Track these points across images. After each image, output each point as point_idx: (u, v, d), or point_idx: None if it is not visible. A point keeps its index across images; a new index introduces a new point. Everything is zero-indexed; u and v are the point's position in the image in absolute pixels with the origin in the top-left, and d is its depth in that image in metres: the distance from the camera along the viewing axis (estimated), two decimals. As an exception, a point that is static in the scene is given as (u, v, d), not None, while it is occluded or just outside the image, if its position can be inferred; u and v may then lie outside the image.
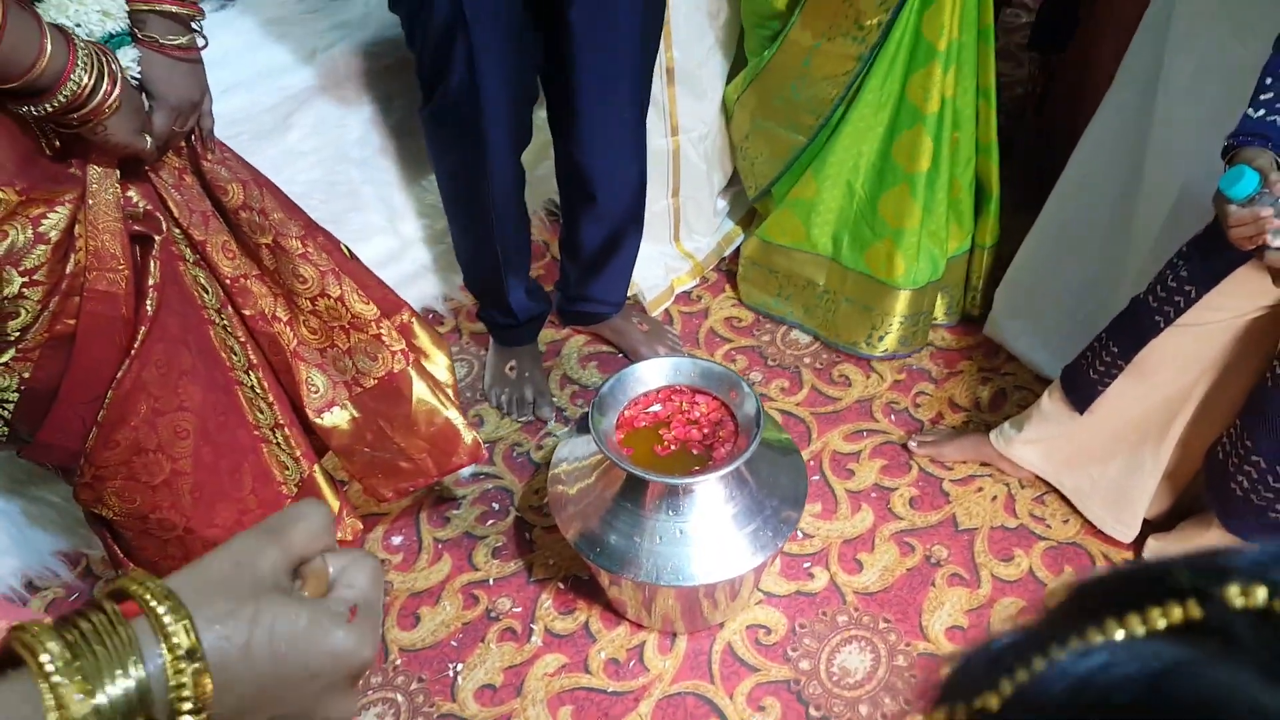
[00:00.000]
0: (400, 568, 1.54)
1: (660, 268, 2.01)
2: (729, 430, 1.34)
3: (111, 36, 0.90)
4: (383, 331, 1.24)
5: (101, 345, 0.97)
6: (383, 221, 1.86)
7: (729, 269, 2.07)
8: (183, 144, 1.05)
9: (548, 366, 1.87)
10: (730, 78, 1.93)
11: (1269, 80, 1.00)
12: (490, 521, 1.62)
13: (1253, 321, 1.17)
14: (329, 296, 1.18)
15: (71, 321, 0.94)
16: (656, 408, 1.38)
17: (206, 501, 1.12)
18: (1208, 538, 1.34)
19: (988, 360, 1.87)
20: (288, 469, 1.22)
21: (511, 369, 1.81)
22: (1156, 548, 1.43)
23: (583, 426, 1.44)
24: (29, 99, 0.83)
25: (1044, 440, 1.52)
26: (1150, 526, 1.49)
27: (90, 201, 0.93)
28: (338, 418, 1.25)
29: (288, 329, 1.18)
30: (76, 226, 0.92)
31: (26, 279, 0.88)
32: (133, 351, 0.99)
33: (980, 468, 1.66)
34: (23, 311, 0.90)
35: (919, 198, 1.69)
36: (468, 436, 1.35)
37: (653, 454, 1.33)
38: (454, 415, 1.33)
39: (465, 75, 1.36)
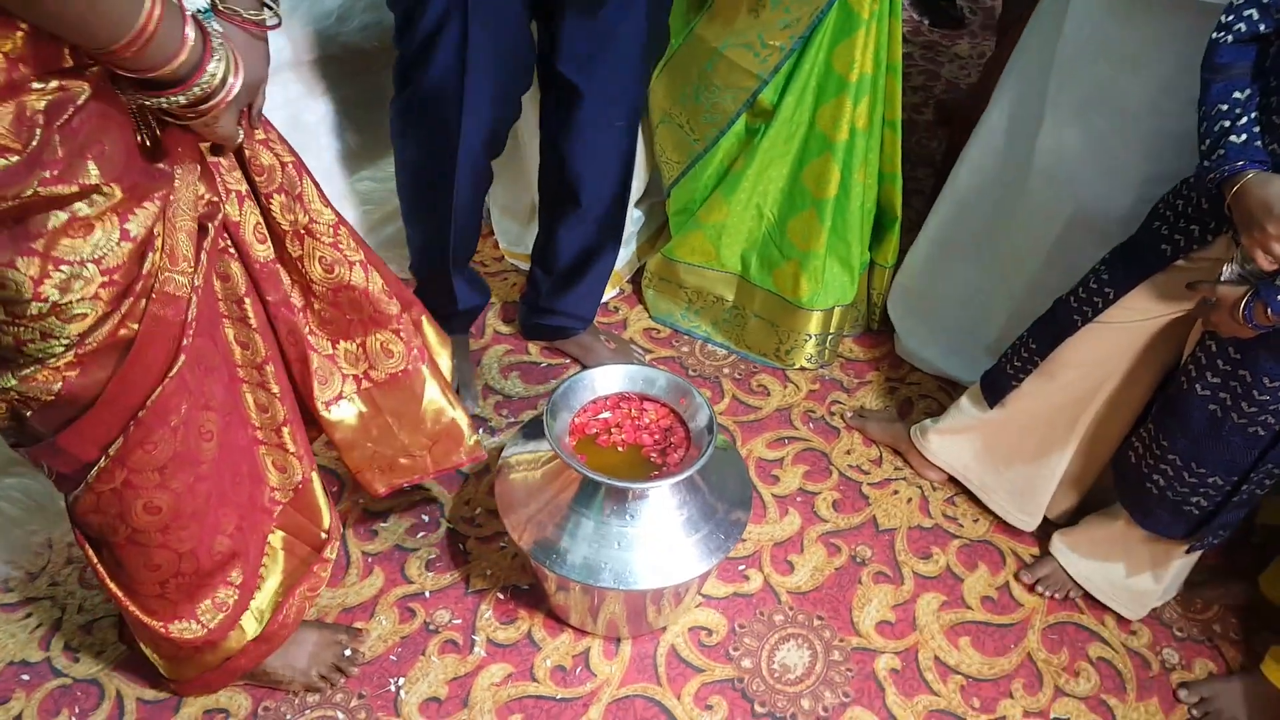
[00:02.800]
0: (330, 584, 1.47)
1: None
2: (679, 437, 1.36)
3: (200, 12, 0.85)
4: (402, 328, 1.21)
5: (158, 351, 0.91)
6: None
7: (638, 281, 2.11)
8: None
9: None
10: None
11: (1223, 106, 1.08)
12: (421, 534, 1.57)
13: (1162, 326, 1.31)
14: (353, 289, 1.14)
15: (134, 326, 0.87)
16: (606, 414, 1.39)
17: (215, 507, 1.07)
18: (1111, 532, 1.47)
19: (894, 370, 1.98)
20: (284, 472, 1.16)
21: None
22: (1062, 544, 1.56)
23: (530, 433, 1.42)
24: (161, 90, 0.78)
25: (956, 434, 1.63)
26: (1052, 526, 1.62)
27: (173, 199, 0.88)
28: (345, 412, 1.21)
29: (300, 316, 1.14)
30: (156, 225, 0.86)
31: (106, 278, 0.82)
32: (183, 346, 0.93)
33: (895, 471, 1.76)
34: (89, 314, 0.83)
35: (826, 222, 1.78)
36: (469, 438, 1.35)
37: (605, 459, 1.33)
38: (460, 416, 1.34)
39: (452, 63, 1.32)
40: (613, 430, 1.37)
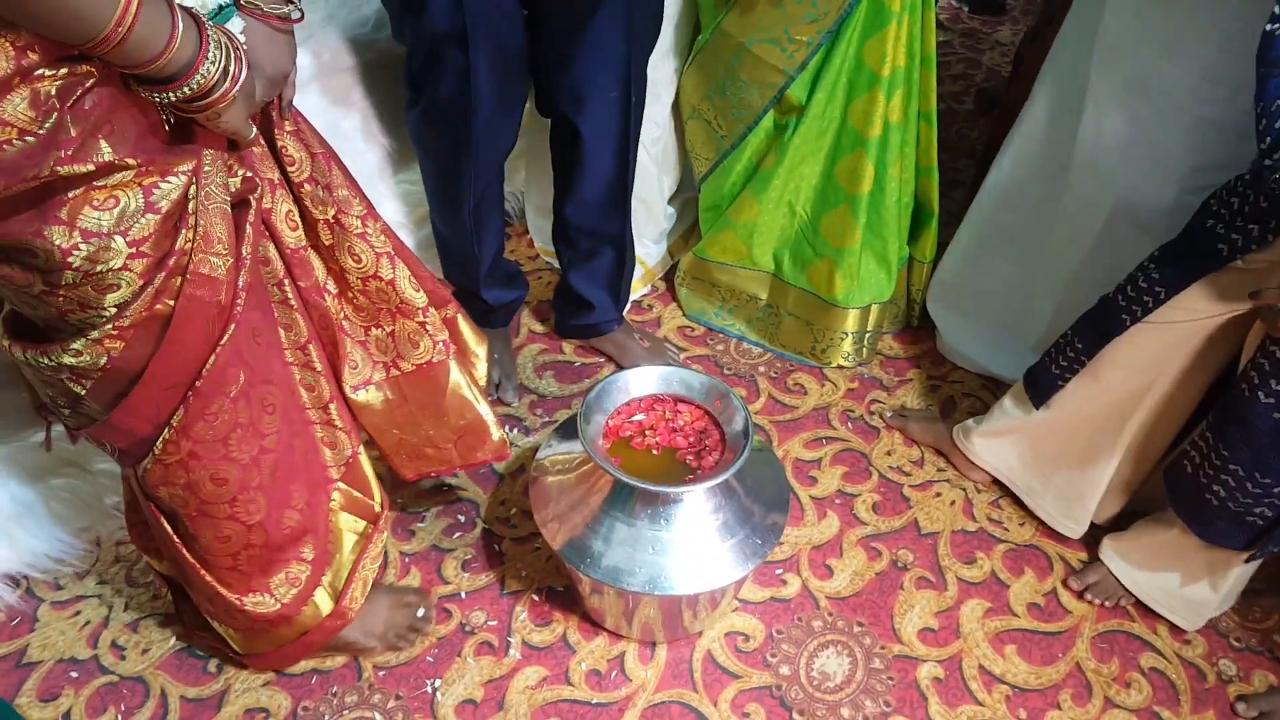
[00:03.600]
0: (366, 583, 1.47)
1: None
2: (714, 439, 1.34)
3: (221, 8, 0.85)
4: (428, 320, 1.24)
5: (195, 329, 0.93)
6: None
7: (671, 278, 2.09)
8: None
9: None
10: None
11: (1279, 102, 1.03)
12: (457, 534, 1.57)
13: (1215, 327, 1.25)
14: (380, 279, 1.17)
15: (171, 302, 0.89)
16: (640, 416, 1.37)
17: (283, 481, 1.11)
18: (1165, 539, 1.42)
19: (935, 368, 1.94)
20: (335, 449, 1.21)
21: None
22: (1112, 550, 1.51)
23: (564, 434, 1.42)
24: (152, 86, 0.79)
25: (1000, 436, 1.59)
26: (1100, 530, 1.57)
27: (203, 178, 0.89)
28: (372, 396, 1.25)
29: (335, 302, 1.17)
30: (190, 203, 0.88)
31: (133, 250, 0.84)
32: (234, 315, 0.96)
33: (937, 473, 1.72)
34: (123, 285, 0.85)
35: (860, 218, 1.74)
36: (495, 434, 1.37)
37: (639, 461, 1.32)
38: (485, 411, 1.35)
39: (459, 86, 1.36)
40: (647, 433, 1.35)
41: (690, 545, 1.27)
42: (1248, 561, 1.33)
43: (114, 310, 0.86)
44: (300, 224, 1.10)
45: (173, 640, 1.40)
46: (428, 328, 1.25)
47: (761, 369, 1.92)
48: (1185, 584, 1.43)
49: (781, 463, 1.70)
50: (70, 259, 0.80)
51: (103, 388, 0.93)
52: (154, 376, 0.93)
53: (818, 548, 1.58)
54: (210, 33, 0.80)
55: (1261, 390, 1.18)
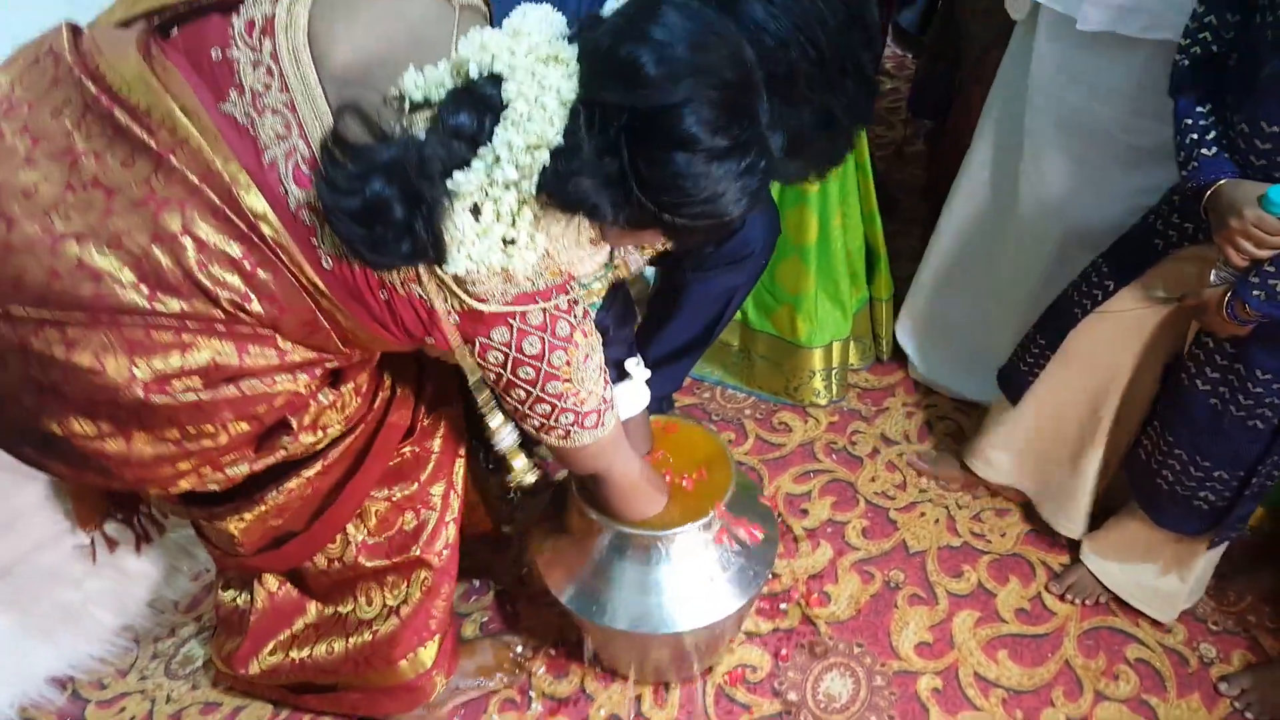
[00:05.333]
0: (391, 653, 1.56)
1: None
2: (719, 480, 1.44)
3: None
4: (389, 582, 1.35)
5: (378, 466, 1.13)
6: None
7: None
8: None
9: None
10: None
11: (1189, 122, 1.17)
12: (474, 598, 1.66)
13: (1162, 317, 1.37)
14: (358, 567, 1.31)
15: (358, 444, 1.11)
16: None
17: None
18: (1133, 532, 1.51)
19: (909, 396, 2.04)
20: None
21: None
22: (1090, 550, 1.60)
23: (560, 490, 1.51)
24: None
25: (1000, 447, 1.68)
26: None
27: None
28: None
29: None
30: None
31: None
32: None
33: (919, 494, 1.81)
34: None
35: (811, 265, 1.87)
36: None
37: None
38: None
39: None
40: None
41: (688, 583, 1.36)
42: (1209, 549, 1.43)
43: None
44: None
45: (213, 726, 1.49)
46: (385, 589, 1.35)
47: (747, 412, 2.03)
48: (1156, 577, 1.52)
49: (760, 486, 1.80)
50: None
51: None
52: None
53: (814, 576, 1.67)
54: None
55: (1198, 378, 1.30)
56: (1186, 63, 1.16)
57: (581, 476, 1.30)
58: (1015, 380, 1.58)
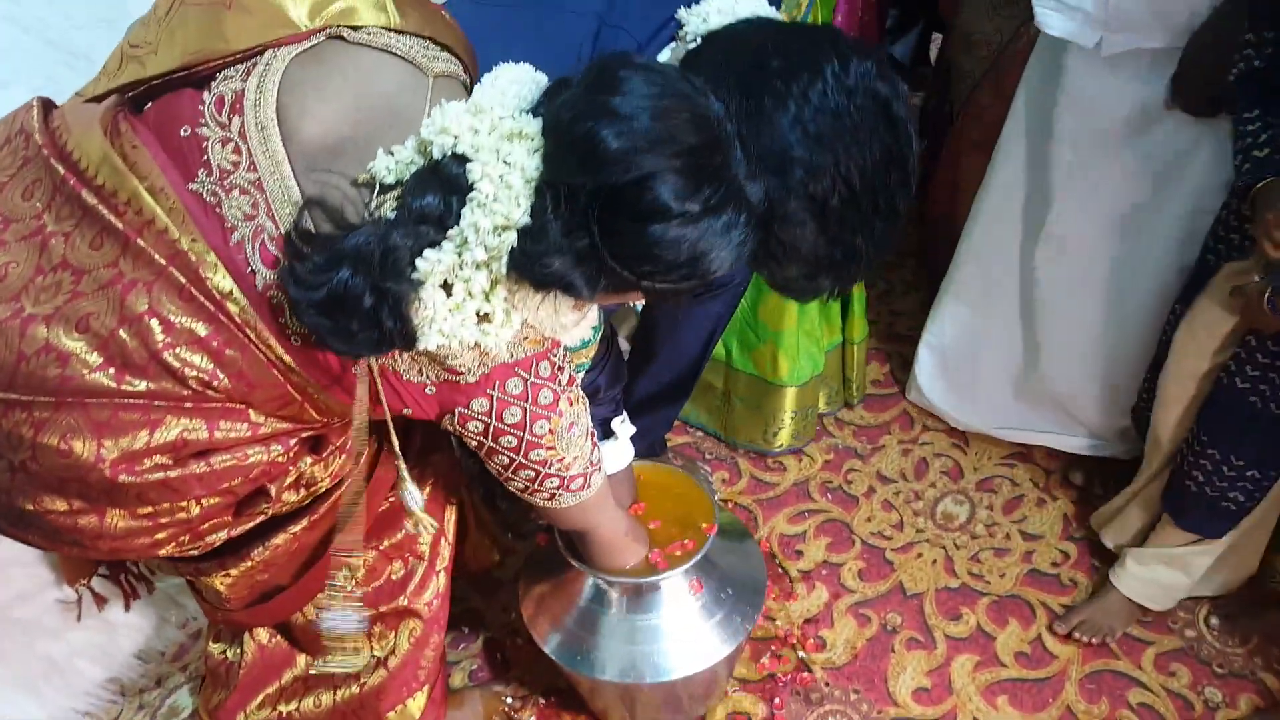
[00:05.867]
0: (379, 704, 1.54)
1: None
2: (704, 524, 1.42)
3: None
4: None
5: (366, 518, 1.09)
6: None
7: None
8: None
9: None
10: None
11: (1242, 129, 1.19)
12: (462, 645, 1.64)
13: (1218, 337, 1.35)
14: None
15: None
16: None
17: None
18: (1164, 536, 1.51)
19: (905, 432, 2.02)
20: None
21: None
22: (1136, 554, 1.56)
23: (548, 542, 1.49)
24: None
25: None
26: (1098, 558, 1.68)
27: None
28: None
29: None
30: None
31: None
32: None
33: (916, 534, 1.79)
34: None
35: (792, 300, 1.86)
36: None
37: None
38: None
39: None
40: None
41: (676, 629, 1.34)
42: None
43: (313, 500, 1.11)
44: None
45: (197, 781, 1.46)
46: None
47: (741, 452, 2.01)
48: (1164, 568, 1.51)
49: (752, 526, 1.78)
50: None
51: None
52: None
53: (809, 620, 1.65)
54: None
55: (1238, 377, 1.31)
56: (1232, 77, 1.20)
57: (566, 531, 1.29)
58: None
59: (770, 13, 0.98)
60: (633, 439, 1.46)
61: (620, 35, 1.09)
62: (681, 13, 1.01)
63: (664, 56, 1.04)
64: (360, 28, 0.91)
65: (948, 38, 2.06)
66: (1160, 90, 1.37)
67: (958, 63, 2.02)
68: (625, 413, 1.39)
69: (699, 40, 0.96)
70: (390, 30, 0.92)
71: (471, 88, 0.97)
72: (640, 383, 1.77)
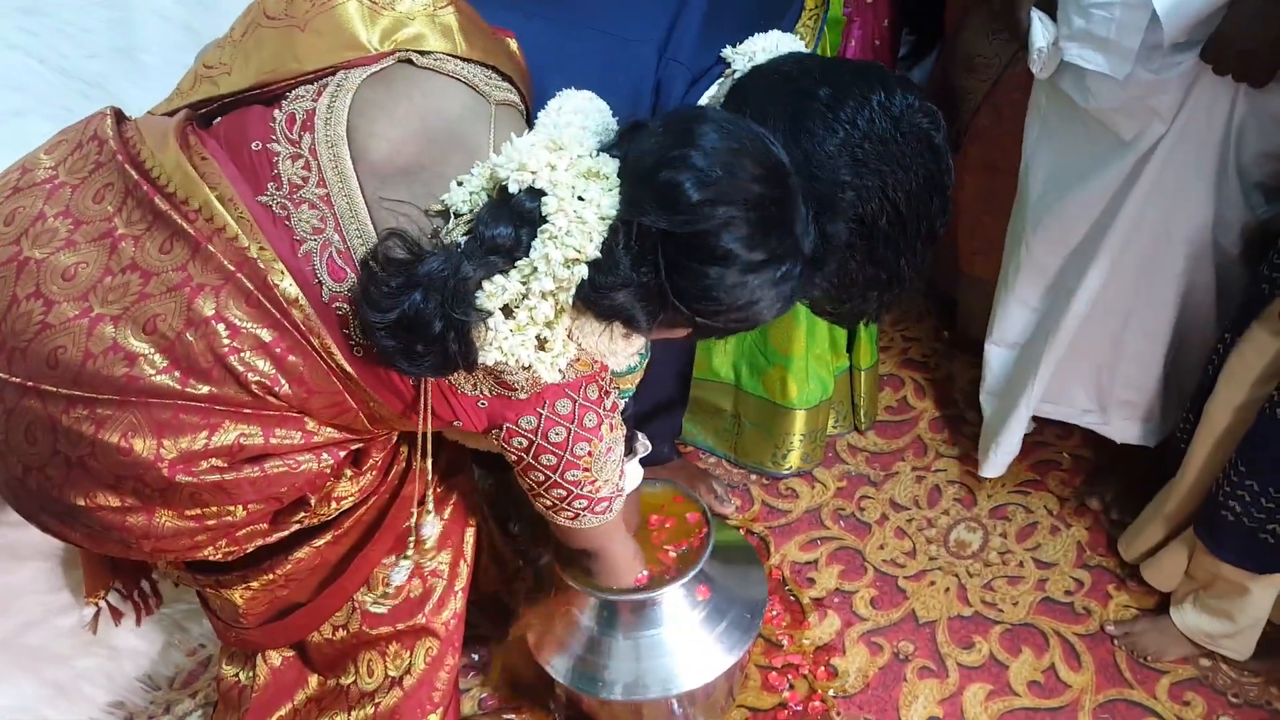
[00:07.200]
0: (388, 731, 1.53)
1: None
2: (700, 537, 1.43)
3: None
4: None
5: (389, 536, 1.13)
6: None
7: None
8: None
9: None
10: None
11: None
12: (473, 674, 1.63)
13: (1266, 364, 1.32)
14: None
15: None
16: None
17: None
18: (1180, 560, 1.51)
19: (919, 459, 2.01)
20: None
21: None
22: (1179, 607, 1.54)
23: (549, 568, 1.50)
24: None
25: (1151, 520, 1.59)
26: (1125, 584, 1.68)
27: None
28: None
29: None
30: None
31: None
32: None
33: (929, 561, 1.78)
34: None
35: (802, 325, 1.86)
36: None
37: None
38: None
39: None
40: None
41: (680, 643, 1.34)
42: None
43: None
44: None
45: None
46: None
47: (754, 477, 2.00)
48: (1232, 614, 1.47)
49: (766, 570, 1.77)
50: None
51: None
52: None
53: (821, 648, 1.63)
54: None
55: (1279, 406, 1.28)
56: None
57: (572, 549, 1.29)
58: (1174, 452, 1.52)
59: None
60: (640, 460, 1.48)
61: (678, 70, 1.14)
62: (727, 51, 1.07)
63: (711, 91, 1.08)
64: (428, 53, 0.95)
65: (949, 59, 2.07)
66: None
67: (960, 84, 2.04)
68: (640, 433, 1.40)
69: (745, 73, 1.02)
70: (455, 57, 0.96)
71: (528, 116, 1.01)
72: (636, 399, 1.77)
